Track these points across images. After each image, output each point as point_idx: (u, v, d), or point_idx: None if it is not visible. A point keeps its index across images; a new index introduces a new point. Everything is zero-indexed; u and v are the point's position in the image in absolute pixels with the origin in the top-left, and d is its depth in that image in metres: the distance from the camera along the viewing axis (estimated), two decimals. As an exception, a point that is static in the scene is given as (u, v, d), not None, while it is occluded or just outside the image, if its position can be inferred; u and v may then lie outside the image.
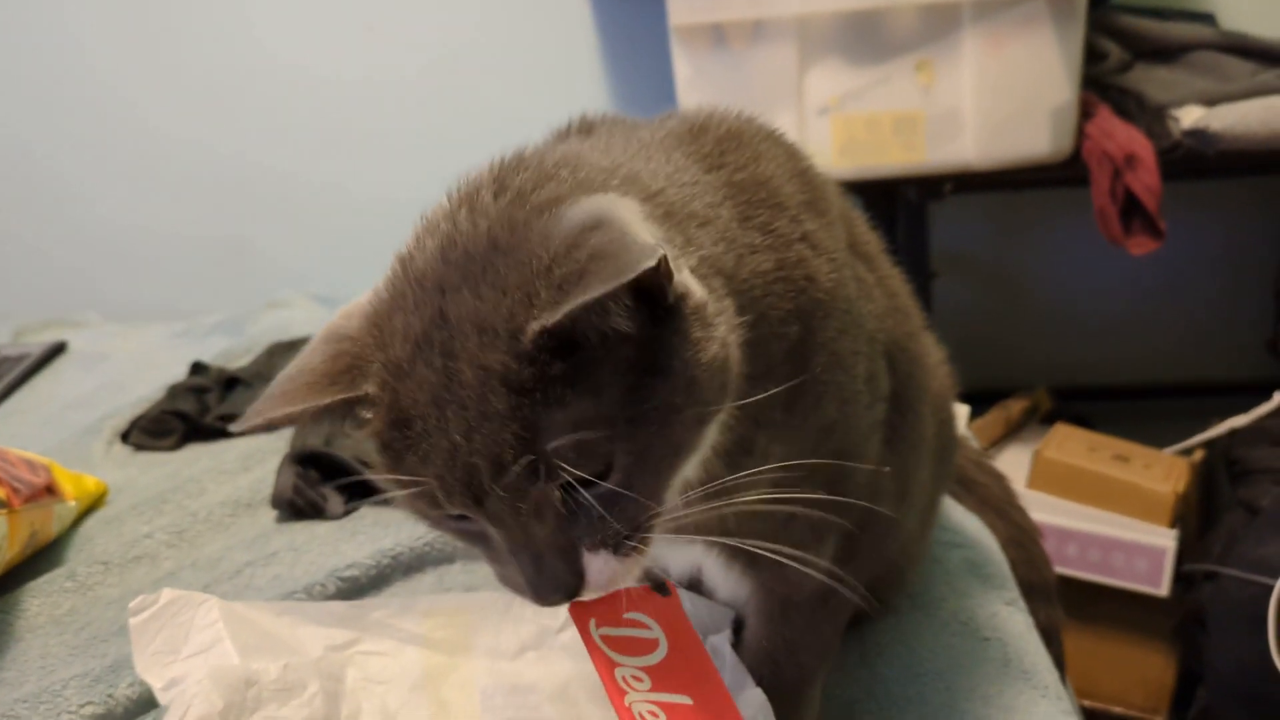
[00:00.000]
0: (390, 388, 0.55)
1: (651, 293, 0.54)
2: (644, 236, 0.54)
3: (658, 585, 0.61)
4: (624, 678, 0.58)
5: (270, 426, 0.58)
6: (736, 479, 0.60)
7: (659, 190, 0.62)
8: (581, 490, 0.54)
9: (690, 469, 0.60)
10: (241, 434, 0.59)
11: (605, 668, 0.58)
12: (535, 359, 0.52)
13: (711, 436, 0.60)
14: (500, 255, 0.55)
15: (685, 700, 0.58)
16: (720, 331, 0.57)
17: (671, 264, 0.54)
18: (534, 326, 0.52)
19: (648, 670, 0.58)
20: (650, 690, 0.58)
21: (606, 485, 0.54)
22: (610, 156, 0.65)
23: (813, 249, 0.67)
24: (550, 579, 0.55)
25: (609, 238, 0.53)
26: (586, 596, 0.57)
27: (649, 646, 0.59)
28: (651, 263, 0.50)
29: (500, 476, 0.52)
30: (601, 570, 0.56)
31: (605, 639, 0.59)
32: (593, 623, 0.60)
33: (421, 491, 0.55)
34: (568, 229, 0.54)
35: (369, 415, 0.57)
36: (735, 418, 0.61)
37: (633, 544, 0.57)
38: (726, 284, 0.61)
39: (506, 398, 0.52)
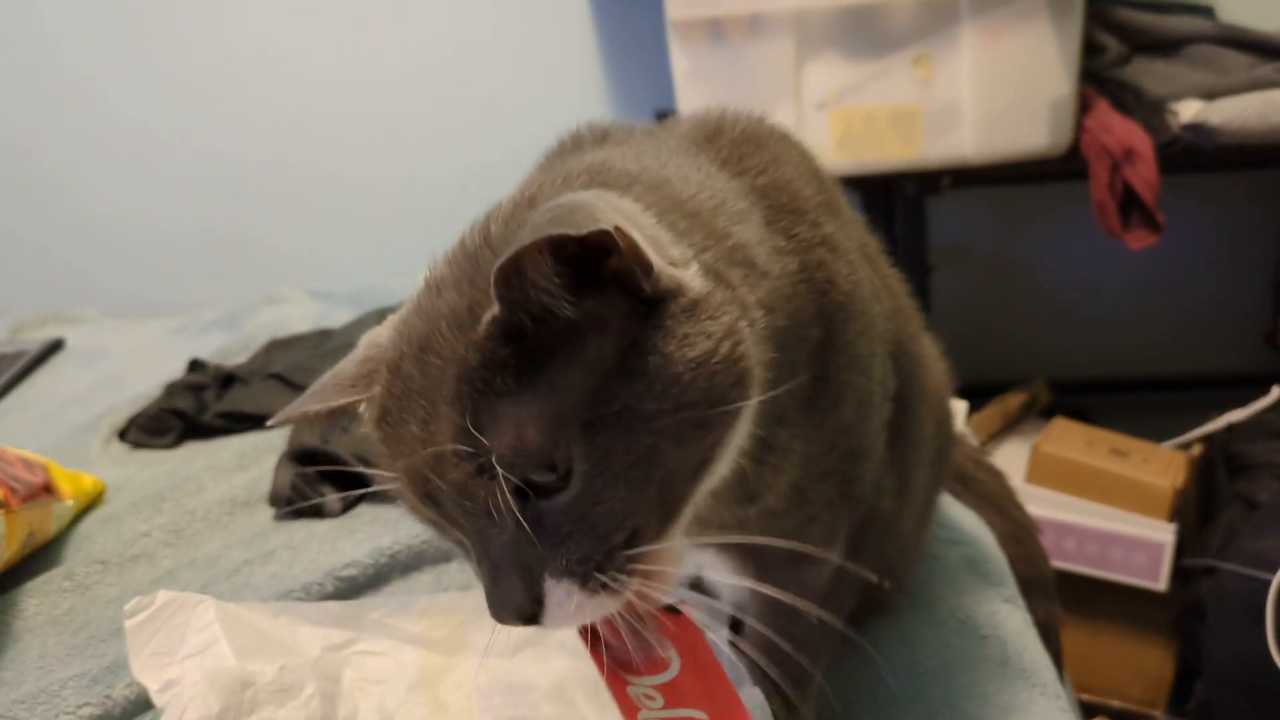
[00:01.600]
0: (384, 386, 0.56)
1: (622, 280, 0.51)
2: (608, 214, 0.49)
3: (668, 606, 0.60)
4: (637, 696, 0.57)
5: (297, 423, 0.63)
6: (771, 454, 0.61)
7: (691, 195, 0.61)
8: (536, 500, 0.51)
9: (705, 484, 0.56)
10: (271, 428, 0.64)
11: (618, 686, 0.57)
12: (483, 347, 0.51)
13: (736, 442, 0.56)
14: (489, 251, 0.55)
15: (700, 716, 0.57)
16: (723, 323, 0.53)
17: (664, 256, 0.52)
18: (488, 314, 0.51)
19: (660, 689, 0.57)
20: (664, 708, 0.57)
21: (563, 499, 0.51)
22: (639, 163, 0.64)
23: (832, 252, 0.67)
24: (504, 597, 0.52)
25: (556, 206, 0.49)
26: (547, 626, 0.53)
27: (661, 666, 0.58)
28: (592, 228, 0.47)
29: (445, 472, 0.51)
30: (561, 603, 0.52)
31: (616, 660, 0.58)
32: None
33: (396, 493, 0.56)
34: (536, 215, 0.50)
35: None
36: (761, 416, 0.58)
37: (603, 579, 0.52)
38: (757, 280, 0.59)
39: (454, 385, 0.51)
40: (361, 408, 0.59)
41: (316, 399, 0.60)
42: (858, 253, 0.73)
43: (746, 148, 0.69)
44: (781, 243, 0.64)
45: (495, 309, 0.50)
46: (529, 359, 0.50)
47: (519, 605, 0.52)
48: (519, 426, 0.50)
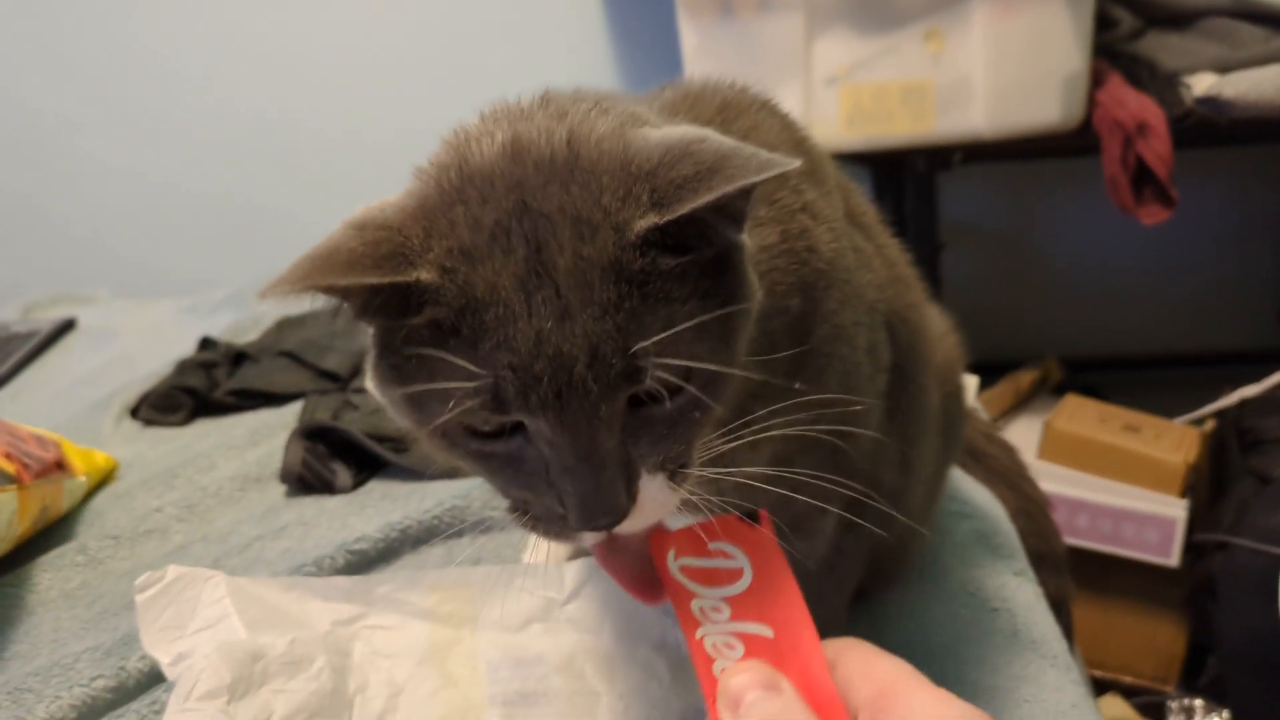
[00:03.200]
0: (456, 275, 0.51)
1: (735, 218, 0.54)
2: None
3: (748, 514, 0.57)
4: (701, 609, 0.54)
5: (299, 292, 0.51)
6: (746, 430, 0.59)
7: None
8: (657, 402, 0.52)
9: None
10: (265, 297, 0.52)
11: (681, 600, 0.55)
12: (645, 253, 0.51)
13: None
14: (585, 160, 0.53)
15: (765, 632, 0.54)
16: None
17: None
18: (643, 223, 0.51)
19: (729, 600, 0.55)
20: (729, 620, 0.55)
21: (676, 403, 0.52)
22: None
23: (814, 219, 0.67)
24: (605, 500, 0.51)
25: (730, 144, 0.52)
26: (626, 527, 0.54)
27: (733, 576, 0.56)
28: (795, 164, 0.50)
29: (592, 368, 0.49)
30: (654, 496, 0.54)
31: (684, 570, 0.56)
32: (671, 554, 0.56)
33: (479, 394, 0.50)
34: (667, 141, 0.53)
35: (420, 309, 0.52)
36: (736, 390, 0.59)
37: (686, 472, 0.55)
38: None
39: (614, 286, 0.50)
40: (418, 305, 0.52)
41: (325, 272, 0.51)
42: (843, 221, 0.72)
43: (728, 113, 0.69)
44: (761, 211, 0.64)
45: (655, 219, 0.51)
46: (685, 271, 0.52)
47: (617, 505, 0.52)
48: (674, 335, 0.51)
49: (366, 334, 0.59)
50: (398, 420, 0.59)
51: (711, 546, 0.56)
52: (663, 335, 0.50)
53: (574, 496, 0.51)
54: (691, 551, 0.56)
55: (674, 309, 0.51)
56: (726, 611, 0.54)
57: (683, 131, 0.55)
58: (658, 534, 0.56)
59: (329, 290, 0.52)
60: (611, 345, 0.49)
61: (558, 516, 0.53)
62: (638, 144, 0.54)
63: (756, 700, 0.48)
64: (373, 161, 2.29)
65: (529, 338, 0.49)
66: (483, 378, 0.50)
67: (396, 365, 0.54)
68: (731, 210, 0.53)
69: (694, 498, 0.55)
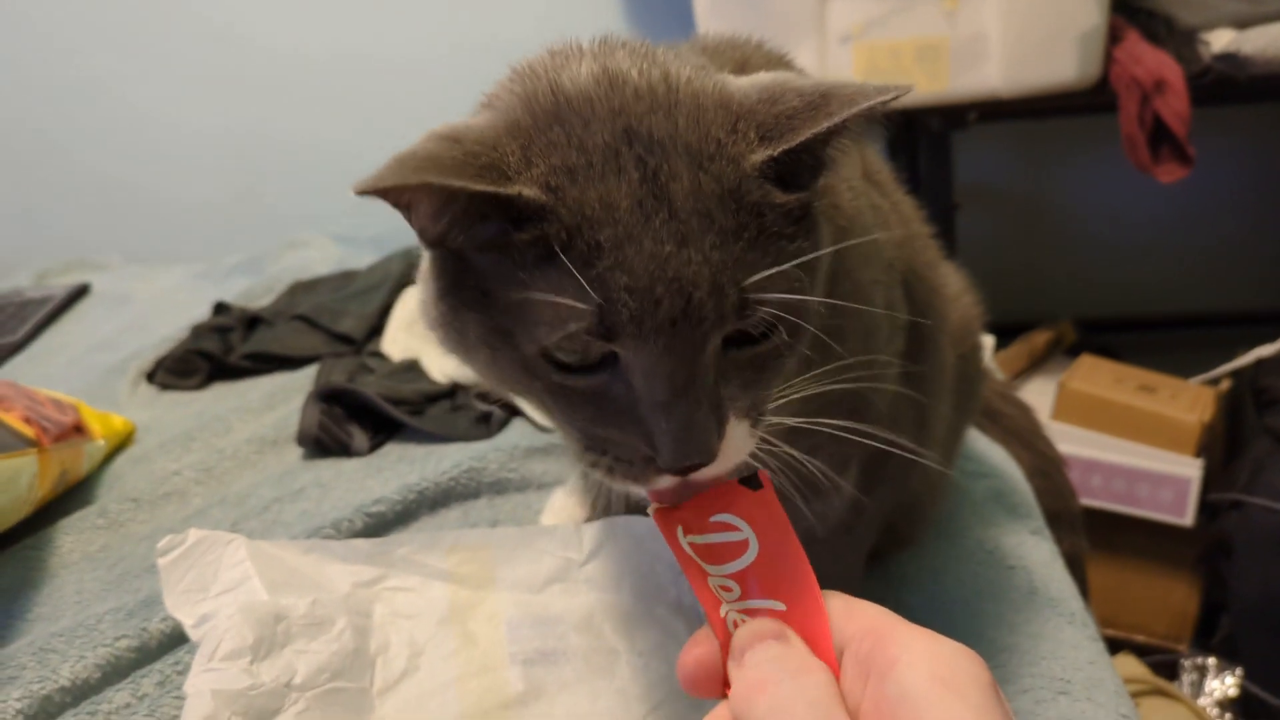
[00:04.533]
0: (565, 193, 0.49)
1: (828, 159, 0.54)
2: None
3: (748, 478, 0.55)
4: (717, 587, 0.53)
5: (400, 187, 0.48)
6: (797, 384, 0.58)
7: None
8: (750, 344, 0.52)
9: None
10: (362, 193, 0.47)
11: (698, 578, 0.53)
12: (761, 185, 0.51)
13: None
14: (685, 95, 0.53)
15: (777, 606, 0.52)
16: None
17: None
18: (759, 154, 0.51)
19: (736, 577, 0.53)
20: (739, 599, 0.53)
21: (767, 345, 0.52)
22: None
23: (835, 174, 0.66)
24: (699, 438, 0.50)
25: (826, 80, 0.52)
26: (709, 472, 0.52)
27: (738, 550, 0.53)
28: (909, 89, 0.50)
29: (711, 295, 0.48)
30: (737, 440, 0.52)
31: (694, 547, 0.54)
32: (680, 530, 0.54)
33: (586, 318, 0.48)
34: (759, 82, 0.53)
35: (522, 227, 0.50)
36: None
37: (764, 420, 0.54)
38: None
39: (734, 216, 0.50)
40: (523, 196, 0.49)
41: (427, 170, 0.48)
42: (861, 179, 0.72)
43: (747, 70, 0.68)
44: None
45: (771, 151, 0.51)
46: (797, 210, 0.52)
47: (707, 445, 0.50)
48: (782, 273, 0.50)
49: (425, 261, 0.57)
50: (466, 358, 0.57)
51: (713, 520, 0.54)
52: (774, 270, 0.50)
53: (668, 434, 0.49)
54: (698, 528, 0.54)
55: (783, 245, 0.51)
56: (737, 590, 0.52)
57: (772, 75, 0.55)
58: (662, 510, 0.54)
59: (434, 193, 0.49)
60: (729, 275, 0.49)
61: (642, 457, 0.51)
62: (731, 85, 0.54)
63: (763, 646, 0.48)
64: (390, 109, 2.28)
65: (648, 261, 0.48)
66: (593, 299, 0.48)
67: (481, 290, 0.52)
68: (831, 146, 0.53)
69: (762, 449, 0.55)
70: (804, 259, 0.52)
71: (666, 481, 0.52)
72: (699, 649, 0.50)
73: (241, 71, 2.32)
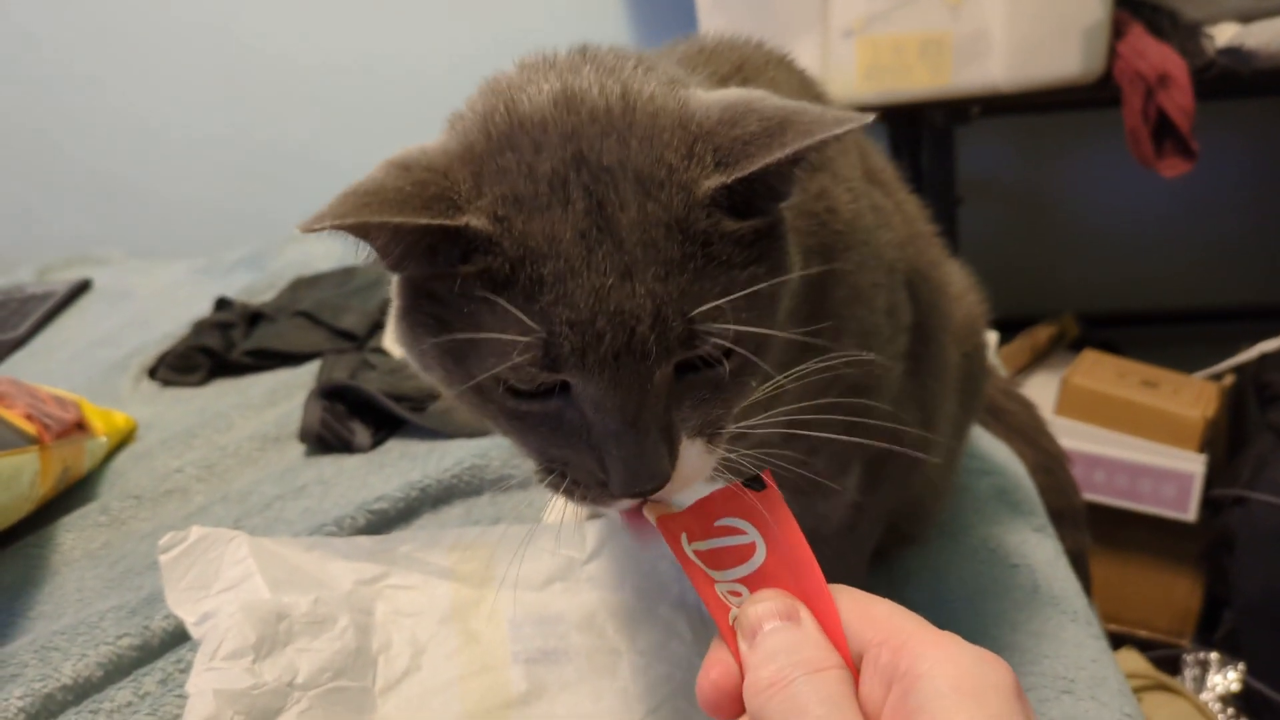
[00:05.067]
0: (511, 224, 0.49)
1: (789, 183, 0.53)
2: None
3: (750, 480, 0.54)
4: (725, 593, 0.52)
5: (344, 228, 0.48)
6: (777, 385, 0.57)
7: None
8: (703, 369, 0.51)
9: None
10: (306, 231, 0.48)
11: (705, 586, 0.52)
12: (710, 214, 0.50)
13: None
14: (643, 115, 0.52)
15: None
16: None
17: None
18: (711, 182, 0.50)
19: (744, 581, 0.52)
20: None
21: (722, 370, 0.52)
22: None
23: (832, 178, 0.66)
24: (649, 466, 0.50)
25: (792, 103, 0.51)
26: (665, 493, 0.52)
27: (746, 554, 0.52)
28: (868, 119, 0.49)
29: (654, 329, 0.48)
30: (692, 461, 0.52)
31: (700, 554, 0.53)
32: (684, 538, 0.53)
33: (531, 350, 0.48)
34: (725, 100, 0.52)
35: (469, 258, 0.50)
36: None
37: (721, 434, 0.54)
38: None
39: (679, 246, 0.49)
40: (466, 253, 0.50)
41: (373, 210, 0.48)
42: (861, 179, 0.71)
43: (746, 71, 0.68)
44: None
45: (724, 179, 0.50)
46: (749, 236, 0.51)
47: (659, 470, 0.50)
48: (731, 302, 0.50)
49: (391, 284, 0.57)
50: (425, 375, 0.58)
51: (718, 524, 0.53)
52: (721, 301, 0.49)
53: (618, 462, 0.50)
54: (702, 533, 0.53)
55: (733, 274, 0.50)
56: (746, 595, 0.51)
57: (738, 92, 0.54)
58: (664, 517, 0.53)
59: (376, 229, 0.49)
60: (674, 307, 0.48)
61: (596, 482, 0.52)
62: (694, 103, 0.53)
63: (775, 630, 0.47)
64: (393, 110, 2.28)
65: (589, 294, 0.48)
66: (536, 333, 0.48)
67: (434, 316, 0.52)
68: (790, 173, 0.52)
69: (731, 455, 0.54)
70: (757, 287, 0.51)
71: (625, 504, 0.53)
72: (715, 671, 0.49)
73: (243, 73, 2.33)
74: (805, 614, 0.48)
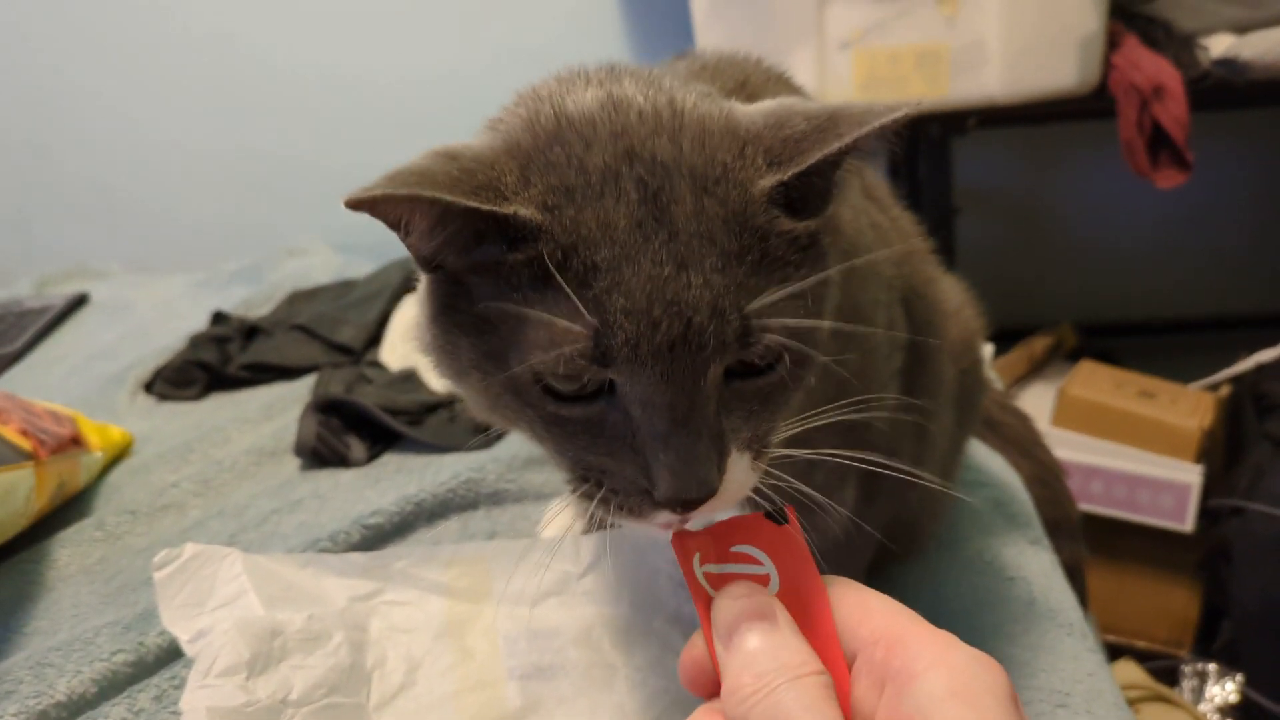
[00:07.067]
0: (562, 212, 0.48)
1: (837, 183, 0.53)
2: None
3: (773, 513, 0.53)
4: None
5: (393, 201, 0.47)
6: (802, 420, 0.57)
7: None
8: (753, 375, 0.50)
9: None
10: (354, 206, 0.46)
11: (705, 607, 0.51)
12: (768, 210, 0.50)
13: None
14: (691, 119, 0.52)
15: None
16: None
17: None
18: (768, 180, 0.50)
19: None
20: None
21: (771, 378, 0.51)
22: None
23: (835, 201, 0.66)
24: (698, 472, 0.48)
25: (836, 103, 0.52)
26: (707, 510, 0.51)
27: (758, 584, 0.51)
28: (920, 105, 0.49)
29: (712, 322, 0.47)
30: (738, 476, 0.51)
31: (710, 577, 0.51)
32: (696, 558, 0.52)
33: (581, 341, 0.47)
34: (765, 108, 0.53)
35: (517, 247, 0.49)
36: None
37: (767, 452, 0.53)
38: None
39: (737, 240, 0.48)
40: (519, 215, 0.49)
41: (422, 184, 0.47)
42: (860, 196, 0.72)
43: (749, 89, 0.68)
44: None
45: (780, 176, 0.50)
46: (804, 237, 0.51)
47: (708, 479, 0.48)
48: (788, 299, 0.49)
49: (421, 283, 0.57)
50: (458, 384, 0.56)
51: (734, 550, 0.52)
52: (779, 295, 0.49)
53: (666, 467, 0.48)
54: (716, 556, 0.52)
55: (789, 273, 0.50)
56: None
57: (777, 100, 0.54)
58: (679, 535, 0.52)
59: (427, 205, 0.48)
60: (730, 300, 0.47)
61: (639, 490, 0.50)
62: (737, 111, 0.53)
63: (752, 631, 0.46)
64: (386, 112, 2.28)
65: (645, 283, 0.47)
66: (589, 321, 0.47)
67: (472, 313, 0.51)
68: (841, 169, 0.52)
69: (766, 482, 0.53)
70: (810, 281, 0.51)
71: (664, 518, 0.51)
72: (698, 650, 0.49)
73: (242, 86, 2.32)
74: (780, 612, 0.48)
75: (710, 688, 0.49)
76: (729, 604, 0.48)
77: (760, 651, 0.46)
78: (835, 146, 0.49)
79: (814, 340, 0.52)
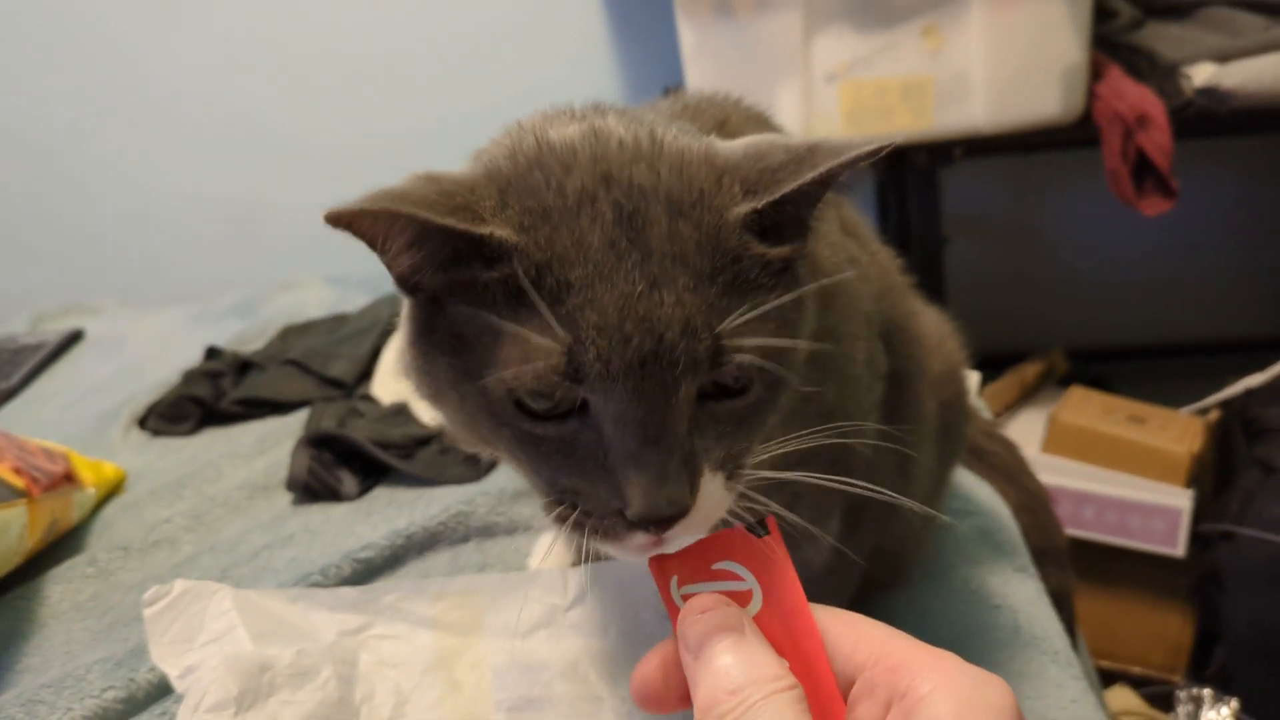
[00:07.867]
0: (537, 232, 0.50)
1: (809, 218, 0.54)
2: None
3: (754, 524, 0.52)
4: None
5: (373, 217, 0.49)
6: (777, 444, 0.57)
7: None
8: (726, 397, 0.51)
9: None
10: (333, 221, 0.48)
11: None
12: (741, 236, 0.51)
13: None
14: (671, 150, 0.53)
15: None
16: None
17: None
18: (743, 207, 0.51)
19: None
20: None
21: (745, 399, 0.52)
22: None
23: (813, 235, 0.67)
24: (670, 490, 0.48)
25: (808, 139, 0.53)
26: (681, 531, 0.51)
27: (741, 601, 0.50)
28: (893, 144, 0.50)
29: (682, 339, 0.48)
30: (712, 497, 0.51)
31: (688, 599, 0.50)
32: (674, 581, 0.51)
33: (555, 356, 0.48)
34: (744, 143, 0.55)
35: (493, 266, 0.50)
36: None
37: (742, 473, 0.54)
38: None
39: (709, 261, 0.50)
40: (488, 262, 0.50)
41: (401, 201, 0.48)
42: (839, 232, 0.73)
43: (727, 129, 0.69)
44: None
45: (756, 204, 0.51)
46: (778, 263, 0.52)
47: (679, 498, 0.49)
48: (760, 319, 0.50)
49: (403, 307, 0.58)
50: (437, 406, 0.57)
51: (715, 567, 0.51)
52: (750, 316, 0.50)
53: (638, 484, 0.48)
54: (694, 577, 0.51)
55: (761, 295, 0.51)
56: None
57: (758, 136, 0.56)
58: (657, 558, 0.52)
59: (404, 223, 0.49)
60: (702, 319, 0.49)
61: (612, 510, 0.50)
62: (717, 144, 0.55)
63: (724, 646, 0.46)
64: (377, 161, 2.29)
65: (618, 300, 0.48)
66: (562, 338, 0.48)
67: (450, 333, 0.52)
68: (818, 200, 0.53)
69: (743, 505, 0.54)
70: (783, 300, 0.52)
71: (639, 539, 0.51)
72: (650, 667, 0.50)
73: (231, 136, 2.35)
74: (748, 624, 0.48)
75: (667, 705, 0.49)
76: (695, 619, 0.48)
77: (733, 667, 0.46)
78: (810, 176, 0.50)
79: (788, 362, 0.53)
